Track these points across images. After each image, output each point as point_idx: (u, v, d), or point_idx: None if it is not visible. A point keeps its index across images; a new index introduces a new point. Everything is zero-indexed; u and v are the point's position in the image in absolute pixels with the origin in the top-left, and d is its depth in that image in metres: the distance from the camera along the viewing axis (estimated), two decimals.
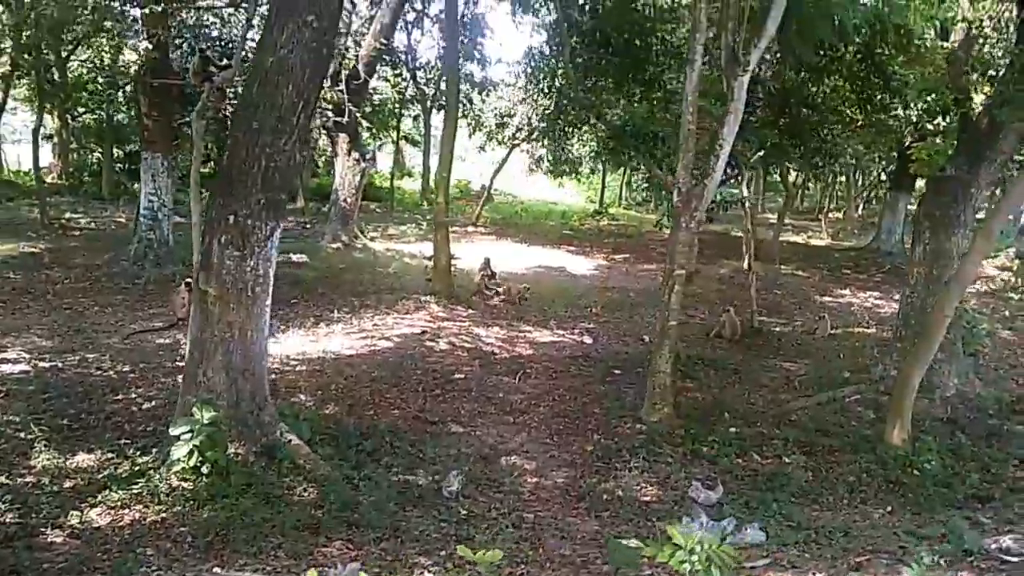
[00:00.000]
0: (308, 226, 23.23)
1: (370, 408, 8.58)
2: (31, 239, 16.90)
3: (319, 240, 20.10)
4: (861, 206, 36.16)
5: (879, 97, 11.15)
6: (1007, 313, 16.48)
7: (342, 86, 19.15)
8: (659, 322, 8.78)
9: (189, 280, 11.67)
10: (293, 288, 14.44)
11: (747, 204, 15.06)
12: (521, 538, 5.80)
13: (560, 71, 12.20)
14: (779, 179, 22.01)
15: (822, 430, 8.71)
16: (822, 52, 10.58)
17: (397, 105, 31.18)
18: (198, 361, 6.49)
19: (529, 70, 14.97)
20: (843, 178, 30.53)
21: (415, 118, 34.65)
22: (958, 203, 10.12)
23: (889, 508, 6.75)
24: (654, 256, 22.48)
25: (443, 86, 29.05)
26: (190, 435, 5.98)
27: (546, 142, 13.20)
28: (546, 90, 13.16)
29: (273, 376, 9.33)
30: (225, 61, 13.39)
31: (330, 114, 18.17)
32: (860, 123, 12.26)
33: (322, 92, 18.88)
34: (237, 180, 6.34)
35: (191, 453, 5.95)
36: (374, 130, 31.47)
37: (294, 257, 17.71)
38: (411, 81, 28.73)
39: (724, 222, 28.16)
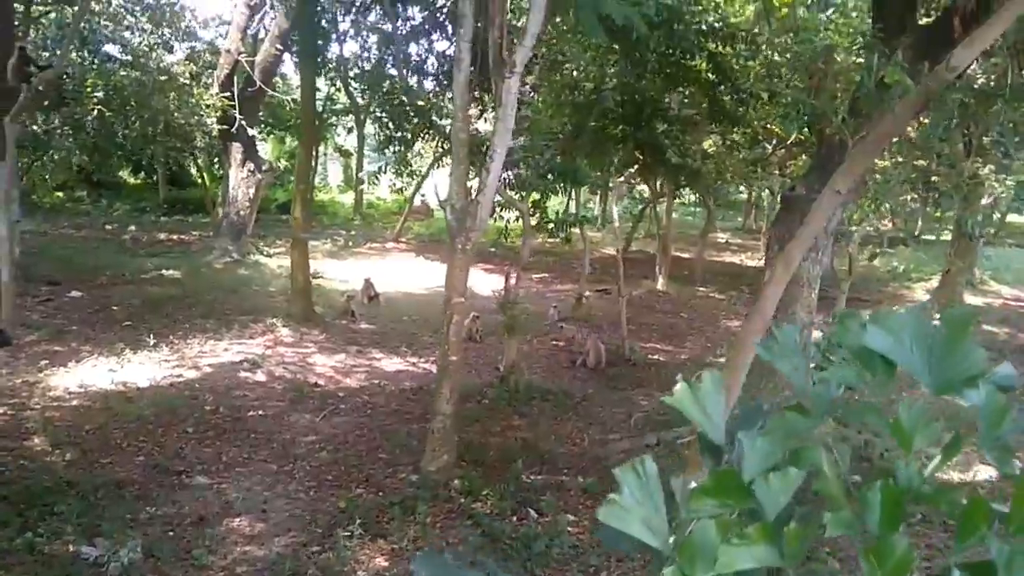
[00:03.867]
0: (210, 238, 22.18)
1: (111, 454, 7.52)
2: None
3: (207, 255, 19.04)
4: None
5: (729, 107, 10.28)
6: None
7: (230, 92, 18.18)
8: (439, 359, 7.79)
9: None
10: (138, 309, 13.43)
11: (615, 223, 14.11)
12: None
13: (394, 76, 11.24)
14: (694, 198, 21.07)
15: None
16: (672, 57, 9.73)
17: (329, 115, 30.24)
18: None
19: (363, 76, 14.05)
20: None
21: (350, 130, 33.71)
22: (822, 225, 9.23)
23: None
24: (574, 276, 21.61)
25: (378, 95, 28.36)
26: None
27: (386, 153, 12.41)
28: (382, 97, 12.22)
29: (27, 412, 8.32)
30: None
31: (209, 121, 17.13)
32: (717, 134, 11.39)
33: (207, 99, 18.04)
34: None
35: None
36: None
37: (166, 273, 16.71)
38: (343, 90, 27.77)
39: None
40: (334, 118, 31.76)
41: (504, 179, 10.57)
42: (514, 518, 6.86)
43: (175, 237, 22.42)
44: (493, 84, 6.76)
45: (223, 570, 5.67)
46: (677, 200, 33.56)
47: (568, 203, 23.86)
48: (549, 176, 9.89)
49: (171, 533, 6.16)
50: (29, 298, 13.36)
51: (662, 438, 8.91)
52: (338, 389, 10.26)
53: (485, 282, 19.75)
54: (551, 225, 9.96)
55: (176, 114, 16.42)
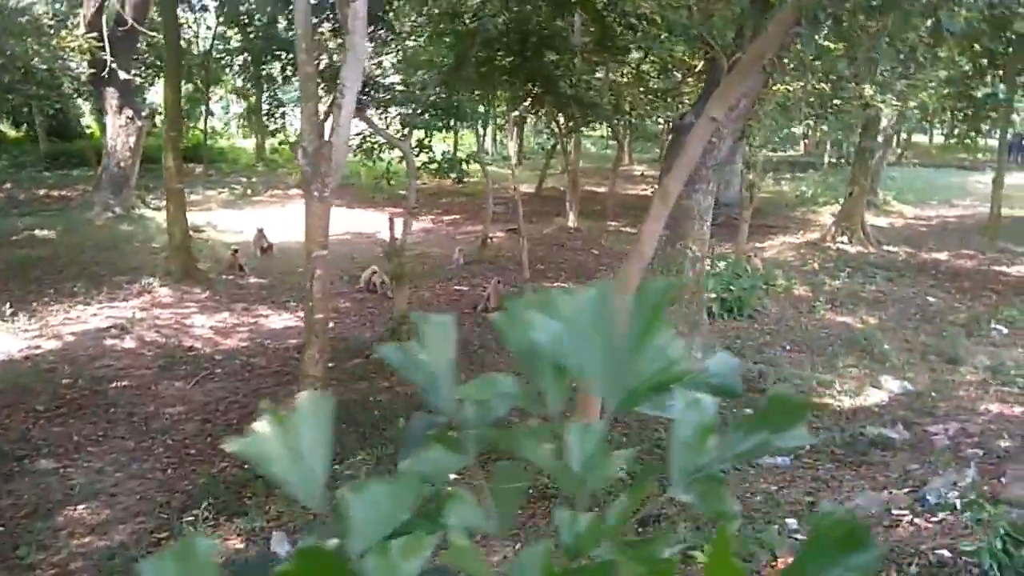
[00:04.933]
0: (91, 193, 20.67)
1: None
2: None
3: (88, 211, 17.70)
4: None
5: (618, 34, 9.78)
6: (816, 265, 15.77)
7: (98, 33, 16.64)
8: (305, 317, 7.25)
9: None
10: (1, 274, 12.31)
11: (513, 160, 13.62)
12: None
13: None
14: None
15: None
16: None
17: (222, 55, 28.34)
18: None
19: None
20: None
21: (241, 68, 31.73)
22: (699, 156, 8.90)
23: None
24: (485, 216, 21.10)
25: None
26: None
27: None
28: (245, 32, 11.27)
29: None
30: None
31: (73, 65, 15.62)
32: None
33: (71, 40, 16.48)
34: None
35: None
36: (198, 83, 28.54)
37: (38, 233, 15.47)
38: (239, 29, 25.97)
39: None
40: (227, 57, 29.85)
41: (384, 118, 9.91)
42: None
43: (55, 193, 20.81)
44: (338, 8, 6.06)
45: (54, 567, 5.11)
46: (596, 134, 33.14)
47: (481, 141, 23.11)
48: (430, 113, 9.23)
49: (1, 528, 5.54)
50: None
51: None
52: (216, 351, 9.60)
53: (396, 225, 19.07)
54: (434, 165, 9.35)
55: (36, 59, 14.89)
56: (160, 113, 31.47)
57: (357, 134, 10.73)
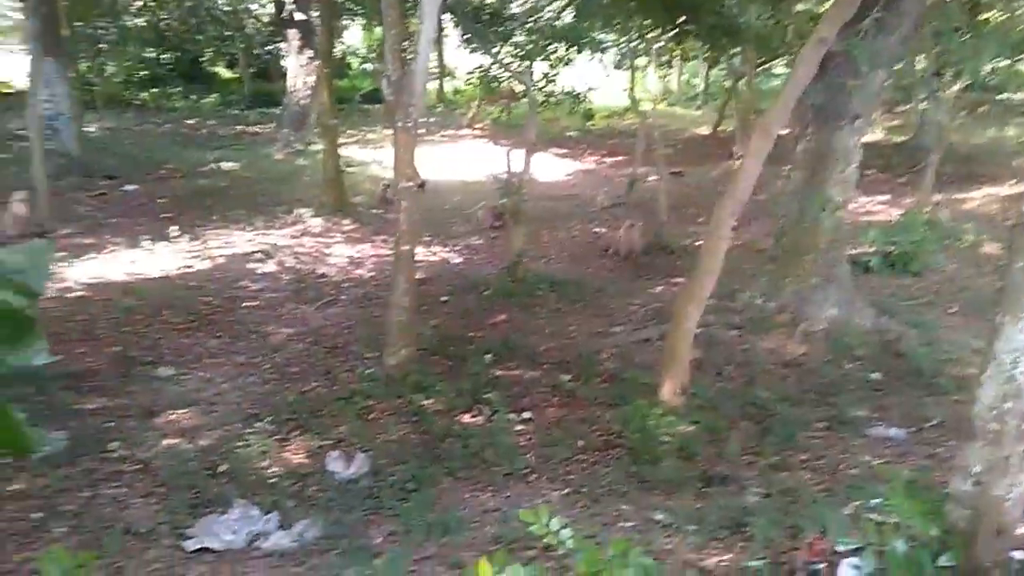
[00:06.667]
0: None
1: (88, 344, 7.62)
2: None
3: (271, 147, 19.12)
4: None
5: None
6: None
7: None
8: (394, 248, 7.28)
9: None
10: (180, 201, 13.64)
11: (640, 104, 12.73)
12: None
13: None
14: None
15: (606, 375, 7.14)
16: None
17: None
18: None
19: None
20: None
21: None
22: (847, 86, 7.86)
23: (567, 490, 5.28)
24: (654, 158, 20.31)
25: None
26: None
27: None
28: None
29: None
30: None
31: (253, 7, 16.69)
32: None
33: None
34: None
35: None
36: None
37: (224, 165, 16.93)
38: None
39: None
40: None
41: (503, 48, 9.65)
42: (467, 416, 6.46)
43: (250, 130, 22.65)
44: None
45: (138, 463, 5.60)
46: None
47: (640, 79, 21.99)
48: (554, 42, 8.85)
49: (111, 425, 6.15)
50: (83, 193, 13.80)
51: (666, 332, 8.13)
52: (345, 280, 10.05)
53: (551, 167, 18.92)
54: (553, 99, 8.99)
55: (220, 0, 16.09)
56: (355, 55, 32.87)
57: (478, 67, 10.63)
